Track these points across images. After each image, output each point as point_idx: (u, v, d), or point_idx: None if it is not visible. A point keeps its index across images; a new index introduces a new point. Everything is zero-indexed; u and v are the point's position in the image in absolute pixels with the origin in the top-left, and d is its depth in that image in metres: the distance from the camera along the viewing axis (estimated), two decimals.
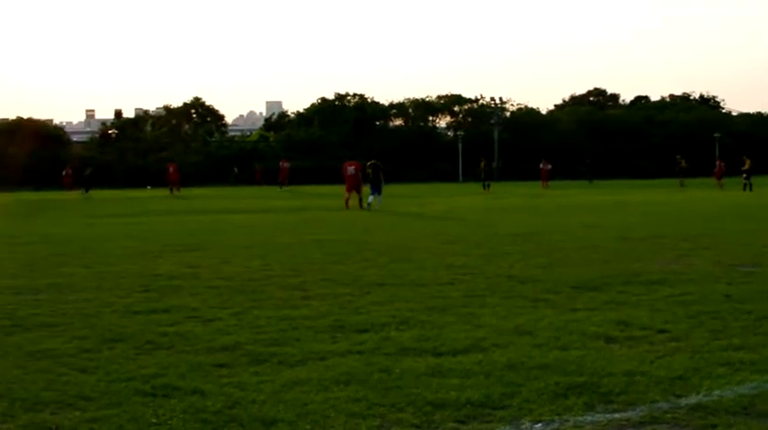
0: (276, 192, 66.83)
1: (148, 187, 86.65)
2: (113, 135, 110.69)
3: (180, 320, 11.17)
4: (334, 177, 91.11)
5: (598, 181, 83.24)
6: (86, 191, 75.58)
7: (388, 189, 45.51)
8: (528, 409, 7.08)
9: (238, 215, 37.17)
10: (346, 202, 41.51)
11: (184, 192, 68.96)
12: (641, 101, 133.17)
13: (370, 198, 41.11)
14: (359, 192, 42.17)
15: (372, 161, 44.41)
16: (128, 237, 25.20)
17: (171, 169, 71.39)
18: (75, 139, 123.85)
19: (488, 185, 65.43)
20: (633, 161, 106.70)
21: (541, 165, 73.91)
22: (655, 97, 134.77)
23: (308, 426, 6.76)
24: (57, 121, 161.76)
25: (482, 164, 69.57)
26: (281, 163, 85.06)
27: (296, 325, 10.73)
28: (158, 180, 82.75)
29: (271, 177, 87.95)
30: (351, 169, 43.09)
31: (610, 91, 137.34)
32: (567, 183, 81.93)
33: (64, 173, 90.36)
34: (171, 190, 68.75)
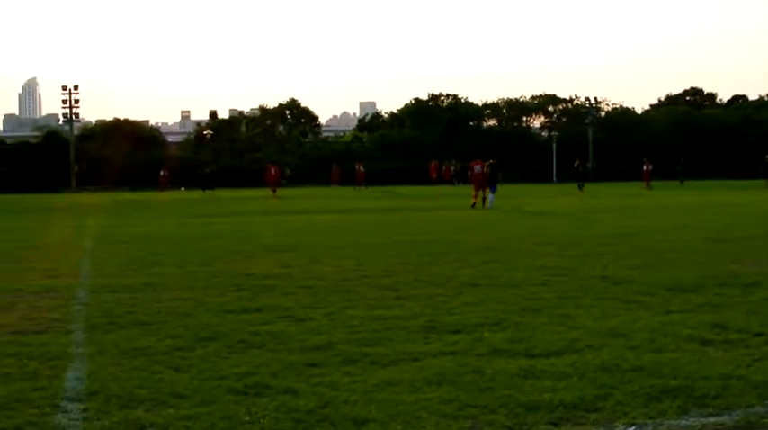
0: (366, 193, 66.93)
1: (182, 188, 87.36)
2: (208, 136, 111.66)
3: (272, 320, 11.23)
4: (428, 178, 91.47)
5: (690, 181, 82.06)
6: (204, 190, 76.93)
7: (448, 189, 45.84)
8: (621, 412, 7.01)
9: (330, 215, 37.32)
10: (475, 201, 42.52)
11: (278, 192, 69.43)
12: (738, 100, 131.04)
13: (491, 197, 42.45)
14: (484, 190, 43.03)
15: (491, 161, 45.12)
16: (220, 237, 25.43)
17: (273, 170, 72.20)
18: (170, 140, 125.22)
19: (582, 186, 65.06)
20: (730, 162, 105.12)
21: (644, 167, 72.72)
22: (753, 96, 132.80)
23: (399, 427, 6.75)
24: (153, 122, 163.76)
25: (576, 163, 69.55)
26: (357, 166, 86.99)
27: (389, 325, 10.72)
28: (256, 180, 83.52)
29: (347, 179, 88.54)
30: (477, 168, 44.13)
31: (706, 90, 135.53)
32: (661, 183, 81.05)
33: (162, 173, 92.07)
34: (273, 190, 69.39)
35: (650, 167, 71.36)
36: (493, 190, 43.15)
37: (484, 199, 42.69)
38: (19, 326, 11.11)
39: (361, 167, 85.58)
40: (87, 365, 8.79)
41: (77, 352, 9.49)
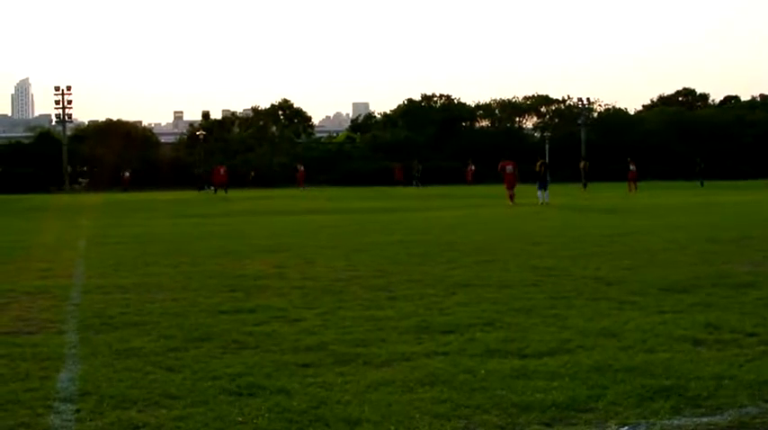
0: (362, 193, 66.83)
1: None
2: (201, 136, 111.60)
3: (266, 320, 11.23)
4: (422, 178, 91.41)
5: (683, 182, 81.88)
6: (199, 190, 77.81)
7: (475, 189, 46.82)
8: (614, 412, 7.02)
9: (322, 215, 37.35)
10: (511, 198, 44.48)
11: (269, 192, 69.70)
12: (731, 100, 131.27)
13: (539, 194, 44.43)
14: (513, 188, 45.36)
15: (542, 160, 47.76)
16: (214, 237, 25.44)
17: (221, 170, 74.53)
18: (163, 140, 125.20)
19: (586, 185, 66.42)
20: (723, 162, 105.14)
21: (630, 167, 72.33)
22: (745, 97, 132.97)
23: (392, 427, 6.75)
24: (145, 123, 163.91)
25: (583, 164, 70.85)
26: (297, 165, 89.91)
27: (381, 325, 10.74)
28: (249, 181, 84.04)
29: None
30: (509, 168, 46.37)
31: (699, 91, 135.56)
32: (653, 183, 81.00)
33: (124, 174, 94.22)
34: (216, 190, 71.19)
35: (634, 168, 70.93)
36: (544, 187, 44.97)
37: (512, 196, 44.71)
38: (11, 326, 11.11)
39: (300, 167, 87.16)
40: (80, 366, 8.79)
41: (70, 352, 9.49)
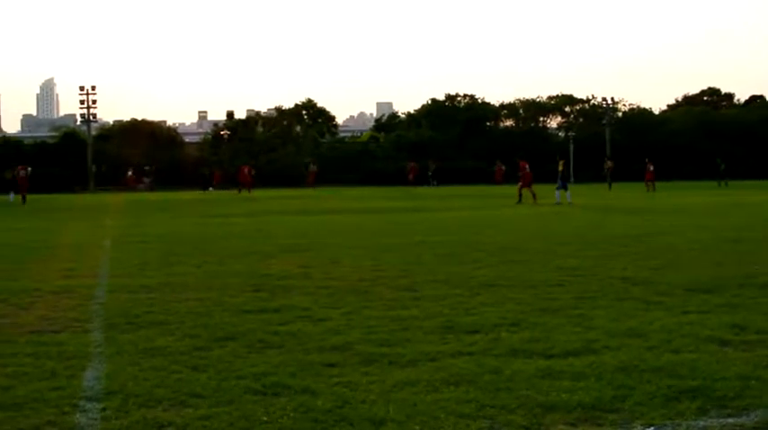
0: (383, 193, 66.80)
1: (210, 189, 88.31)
2: (225, 136, 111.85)
3: (291, 320, 11.24)
4: (445, 178, 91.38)
5: (707, 182, 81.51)
6: (205, 190, 78.42)
7: (502, 189, 47.17)
8: (639, 413, 6.99)
9: (346, 216, 37.32)
10: (534, 196, 45.39)
11: (294, 192, 69.83)
12: (756, 100, 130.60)
13: (559, 194, 44.87)
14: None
15: (563, 159, 47.89)
16: (238, 237, 25.46)
17: (246, 170, 74.95)
18: (187, 140, 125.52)
19: (610, 185, 66.58)
20: (749, 161, 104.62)
21: (651, 168, 71.94)
22: None
23: (417, 427, 6.74)
24: (170, 123, 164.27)
25: (609, 164, 71.03)
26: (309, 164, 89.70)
27: (406, 325, 10.73)
28: (272, 181, 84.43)
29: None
30: (527, 167, 47.49)
31: (724, 90, 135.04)
32: (680, 183, 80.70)
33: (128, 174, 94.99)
34: (246, 190, 71.37)
35: (652, 169, 70.57)
36: (566, 186, 45.53)
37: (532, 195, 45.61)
38: (37, 325, 11.14)
39: (313, 167, 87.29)
40: (106, 365, 8.82)
41: (96, 351, 9.51)
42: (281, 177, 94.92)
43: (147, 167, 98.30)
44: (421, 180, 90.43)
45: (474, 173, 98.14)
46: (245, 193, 71.30)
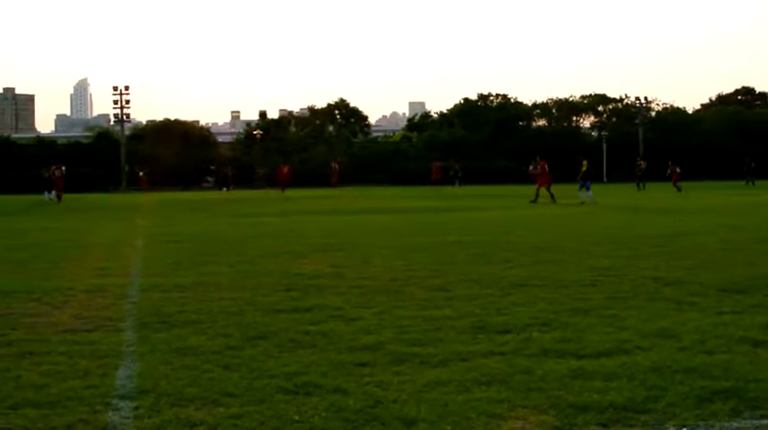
0: (411, 193, 66.77)
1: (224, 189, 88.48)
2: (258, 135, 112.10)
3: (323, 319, 11.25)
4: (477, 177, 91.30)
5: (740, 182, 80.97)
6: (227, 189, 78.50)
7: (531, 189, 47.45)
8: (672, 414, 6.97)
9: (377, 215, 37.30)
10: (553, 196, 45.62)
11: (325, 191, 69.92)
12: None
13: (588, 194, 45.12)
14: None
15: (586, 159, 47.67)
16: (270, 236, 25.50)
17: (285, 169, 75.07)
18: (220, 140, 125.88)
19: (643, 185, 66.28)
20: None
21: (670, 170, 71.61)
22: None
23: (448, 427, 6.74)
24: (203, 123, 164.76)
25: (643, 164, 70.92)
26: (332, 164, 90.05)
27: (438, 325, 10.72)
28: (305, 180, 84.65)
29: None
30: (547, 167, 47.91)
31: (758, 89, 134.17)
32: (711, 183, 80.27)
33: (140, 174, 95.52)
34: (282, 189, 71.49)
35: (677, 170, 70.24)
36: (589, 186, 45.72)
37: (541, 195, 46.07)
38: (71, 324, 11.20)
39: (335, 165, 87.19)
40: (138, 364, 8.85)
41: (128, 350, 9.55)
42: (313, 177, 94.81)
43: (212, 167, 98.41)
44: (445, 180, 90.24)
45: (506, 172, 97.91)
46: (285, 193, 71.21)
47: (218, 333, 10.42)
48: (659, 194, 57.35)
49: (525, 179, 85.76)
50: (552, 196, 45.49)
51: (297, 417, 6.98)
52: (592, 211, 37.78)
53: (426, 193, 64.78)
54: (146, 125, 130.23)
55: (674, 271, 15.61)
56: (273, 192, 71.35)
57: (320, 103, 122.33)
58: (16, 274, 16.62)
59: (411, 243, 22.10)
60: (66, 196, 59.81)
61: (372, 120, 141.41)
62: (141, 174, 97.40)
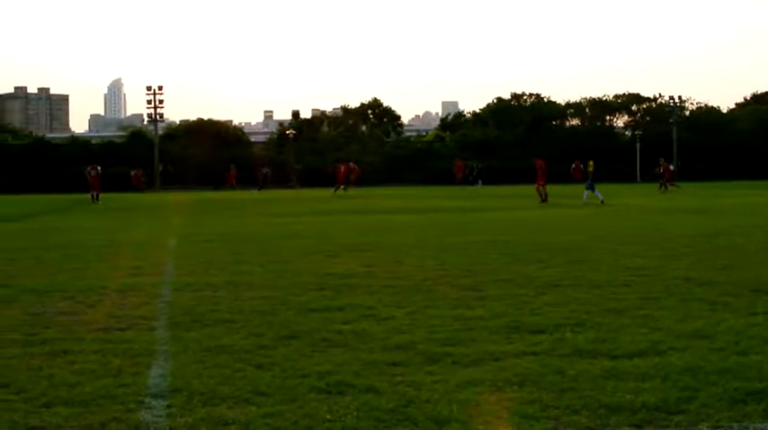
0: (445, 192, 66.72)
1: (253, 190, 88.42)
2: (291, 135, 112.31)
3: (355, 318, 11.25)
4: (510, 177, 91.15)
5: (765, 181, 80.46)
6: (260, 189, 78.65)
7: (566, 189, 47.56)
8: (705, 415, 6.93)
9: (409, 215, 37.30)
10: (545, 197, 46.64)
11: (359, 191, 69.89)
12: None
13: (595, 193, 44.97)
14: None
15: (592, 160, 48.05)
16: (302, 236, 25.53)
17: (342, 168, 74.70)
18: (253, 140, 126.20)
19: (678, 185, 66.16)
20: None
21: (671, 167, 71.11)
22: None
23: (480, 427, 6.73)
24: (236, 122, 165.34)
25: (665, 165, 70.56)
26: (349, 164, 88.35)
27: (470, 325, 10.70)
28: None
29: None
30: (544, 165, 48.75)
31: None
32: (744, 183, 79.86)
33: (133, 173, 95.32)
34: (344, 188, 70.98)
35: (670, 168, 69.92)
36: (593, 187, 45.71)
37: (545, 194, 46.92)
38: (104, 323, 11.24)
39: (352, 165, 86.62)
40: (171, 362, 8.88)
41: (161, 349, 9.58)
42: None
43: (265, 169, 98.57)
44: (467, 179, 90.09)
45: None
46: (348, 191, 70.95)
47: (251, 332, 10.43)
48: (690, 194, 57.05)
49: (557, 179, 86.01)
50: (544, 195, 46.30)
51: (329, 417, 6.98)
52: (622, 211, 37.62)
53: (454, 193, 64.68)
54: (179, 125, 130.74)
55: (706, 271, 15.53)
56: (339, 191, 70.82)
57: (353, 103, 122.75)
58: (50, 273, 16.70)
59: (442, 243, 22.09)
60: (102, 195, 60.01)
61: (405, 119, 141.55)
62: (133, 173, 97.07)
